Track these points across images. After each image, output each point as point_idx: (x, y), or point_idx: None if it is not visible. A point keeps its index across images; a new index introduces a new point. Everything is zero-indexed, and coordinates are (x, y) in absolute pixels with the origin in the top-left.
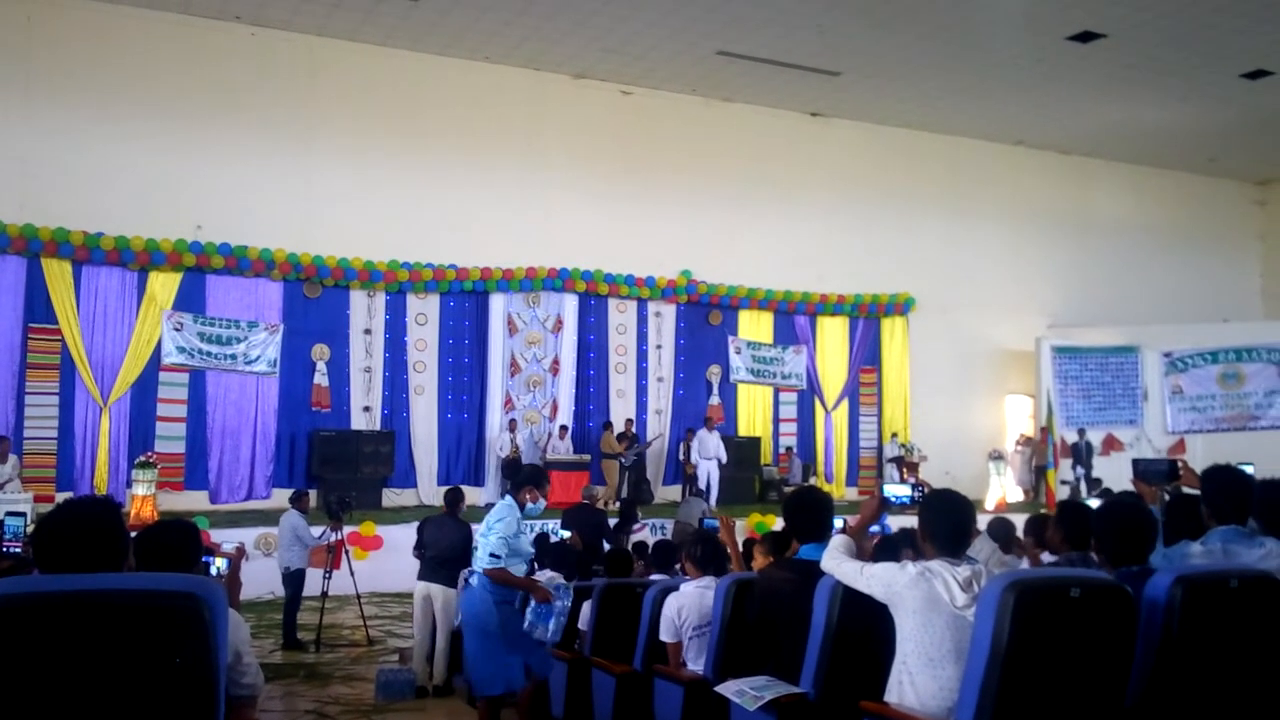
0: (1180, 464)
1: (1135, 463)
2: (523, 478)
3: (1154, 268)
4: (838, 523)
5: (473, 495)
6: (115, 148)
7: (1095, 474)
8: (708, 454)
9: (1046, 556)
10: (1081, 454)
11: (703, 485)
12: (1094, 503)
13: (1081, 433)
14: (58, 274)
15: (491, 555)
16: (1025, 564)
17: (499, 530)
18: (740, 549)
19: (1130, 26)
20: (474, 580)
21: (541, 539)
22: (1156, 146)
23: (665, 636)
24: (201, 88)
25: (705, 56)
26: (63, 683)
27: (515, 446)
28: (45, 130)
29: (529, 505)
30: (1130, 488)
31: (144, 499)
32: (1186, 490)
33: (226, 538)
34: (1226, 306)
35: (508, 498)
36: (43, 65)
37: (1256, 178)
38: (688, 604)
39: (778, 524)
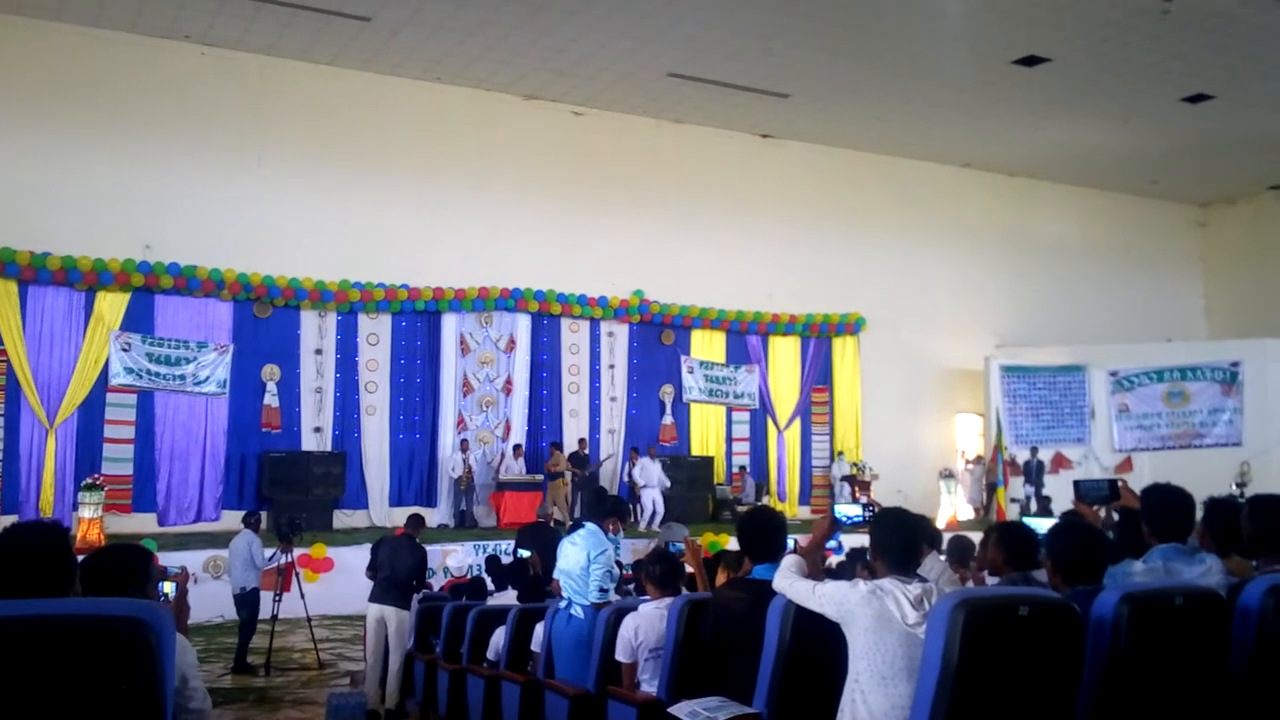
0: (1120, 484)
1: (1076, 484)
2: (608, 508)
3: (1099, 288)
4: (791, 542)
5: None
6: (63, 167)
7: (1045, 492)
8: (650, 482)
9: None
10: (1032, 472)
11: (648, 513)
12: (1036, 521)
13: (1034, 450)
14: (3, 294)
15: (601, 589)
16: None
17: (603, 563)
18: (704, 571)
19: (1074, 51)
20: (577, 611)
21: (492, 560)
22: (1100, 169)
23: (621, 656)
24: (150, 106)
25: (656, 78)
26: (7, 709)
27: (468, 467)
28: None
29: (611, 535)
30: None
31: (91, 522)
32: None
33: (175, 560)
34: (1170, 326)
35: (592, 525)
36: None
37: (1197, 200)
38: (644, 625)
39: (731, 543)
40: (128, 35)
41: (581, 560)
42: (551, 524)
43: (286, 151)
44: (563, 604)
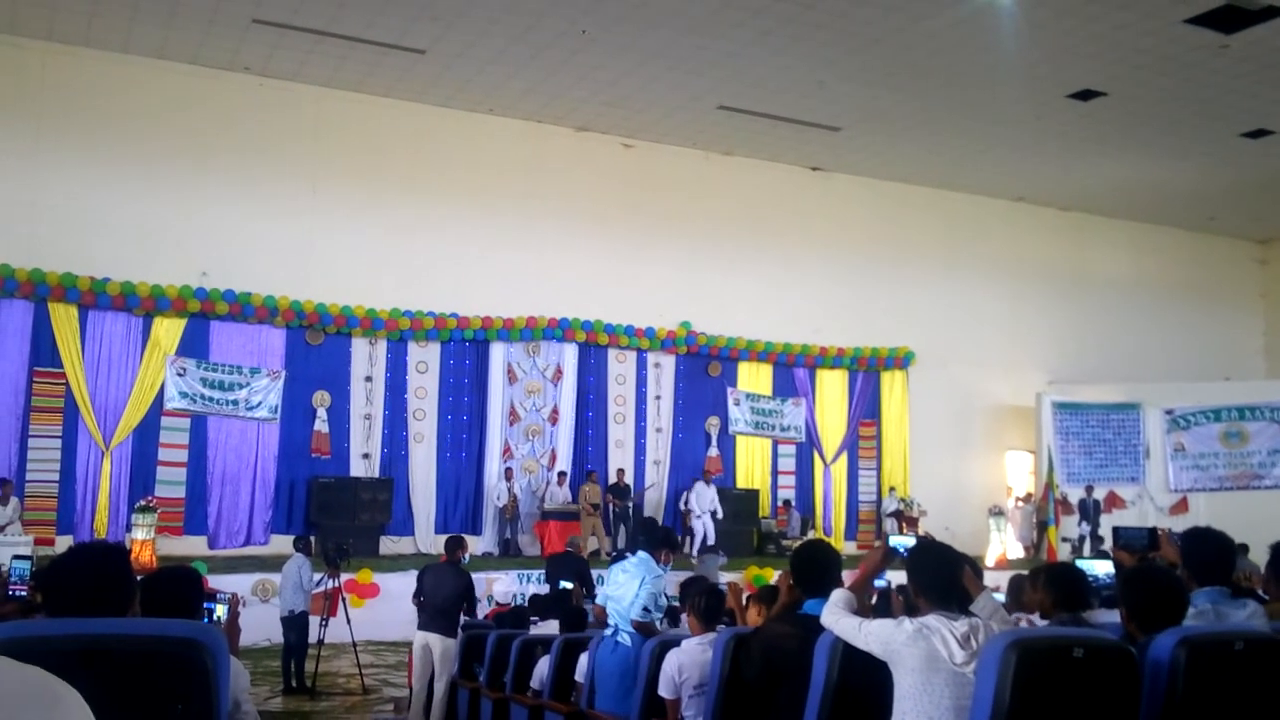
0: (1160, 533)
1: (1116, 531)
2: (659, 539)
3: (1155, 325)
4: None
5: (469, 544)
6: (123, 194)
7: (1100, 532)
8: (703, 507)
9: (1038, 619)
10: (1088, 511)
11: (699, 538)
12: (1089, 564)
13: (1090, 489)
14: (64, 318)
15: (645, 609)
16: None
17: (651, 587)
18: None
19: (1130, 85)
20: (624, 639)
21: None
22: (1157, 204)
23: (665, 692)
24: (209, 136)
25: (706, 111)
26: None
27: (513, 496)
28: (55, 176)
29: (662, 565)
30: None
31: (143, 543)
32: (1159, 559)
33: (224, 583)
34: (1228, 364)
35: (644, 554)
36: (54, 112)
37: (1257, 236)
38: (688, 661)
39: (776, 576)
40: (189, 67)
41: (633, 587)
42: (584, 554)
43: (340, 181)
44: (609, 631)
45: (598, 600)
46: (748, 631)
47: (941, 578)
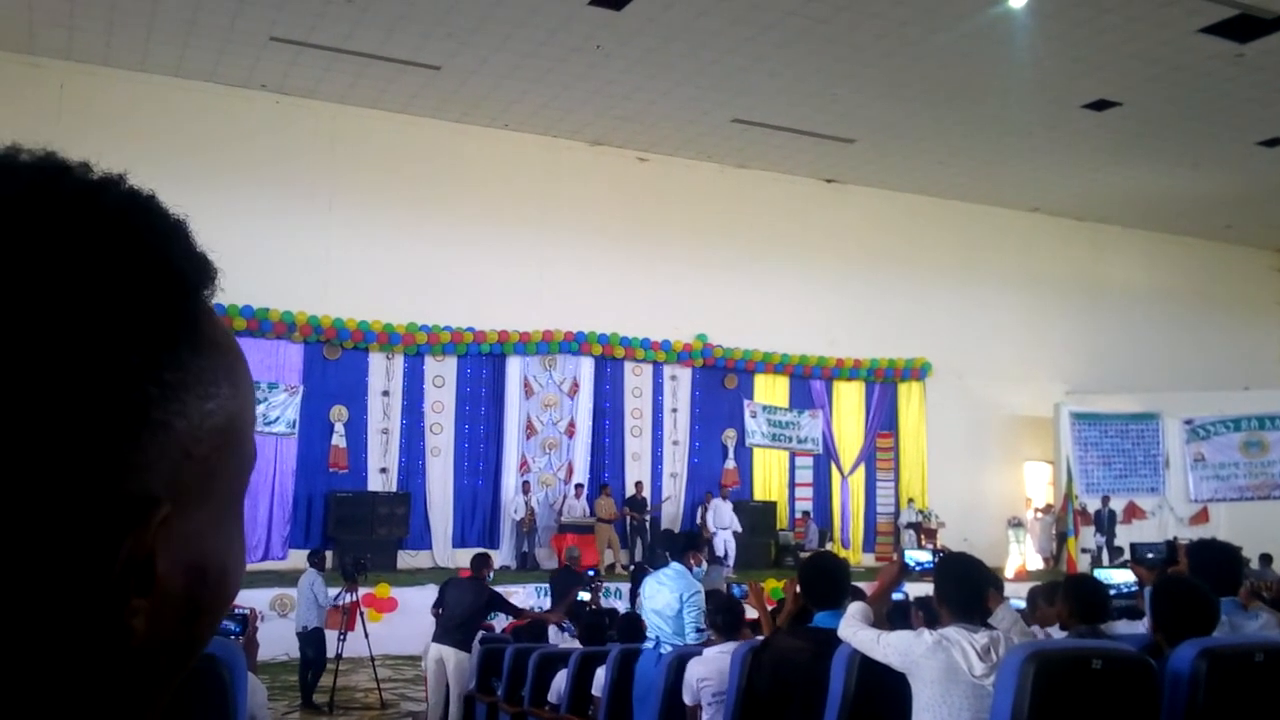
0: (1179, 549)
1: (1133, 547)
2: (683, 544)
3: (1172, 334)
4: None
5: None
6: None
7: (1117, 542)
8: (723, 524)
9: (1055, 631)
10: (1104, 522)
11: (719, 555)
12: (1107, 574)
13: (1106, 500)
14: None
15: (698, 630)
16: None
17: (695, 604)
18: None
19: (1145, 95)
20: (668, 649)
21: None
22: (1173, 213)
23: (687, 699)
24: (227, 153)
25: (720, 124)
26: None
27: (530, 509)
28: None
29: (695, 569)
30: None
31: None
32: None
33: (243, 599)
34: (1247, 374)
35: (677, 565)
36: (72, 131)
37: (1274, 244)
38: (705, 670)
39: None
40: (206, 84)
41: (673, 602)
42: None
43: (357, 197)
44: (650, 644)
45: (643, 614)
46: (760, 643)
47: (967, 590)
